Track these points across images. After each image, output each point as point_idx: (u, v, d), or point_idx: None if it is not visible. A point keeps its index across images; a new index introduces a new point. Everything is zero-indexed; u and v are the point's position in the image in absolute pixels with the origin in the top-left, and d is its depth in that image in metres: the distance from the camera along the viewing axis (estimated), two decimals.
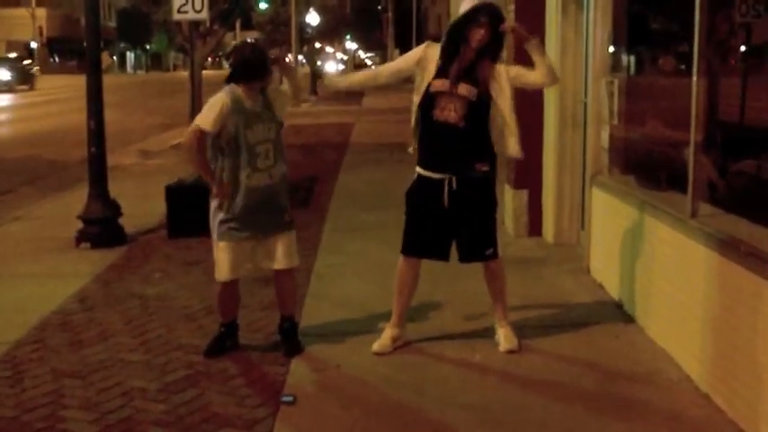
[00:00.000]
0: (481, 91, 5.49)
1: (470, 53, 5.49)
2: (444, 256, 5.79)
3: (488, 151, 5.60)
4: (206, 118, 5.44)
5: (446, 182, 5.53)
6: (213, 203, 5.61)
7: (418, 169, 5.67)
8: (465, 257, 5.80)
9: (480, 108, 5.49)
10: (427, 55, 5.61)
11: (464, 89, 5.47)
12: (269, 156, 5.56)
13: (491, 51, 5.54)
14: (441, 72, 5.53)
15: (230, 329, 5.90)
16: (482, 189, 5.65)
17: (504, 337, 5.76)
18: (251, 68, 5.51)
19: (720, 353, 4.86)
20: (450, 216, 5.61)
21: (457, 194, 5.55)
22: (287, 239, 5.71)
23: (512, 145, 5.61)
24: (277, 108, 5.66)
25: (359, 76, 6.29)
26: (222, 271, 5.66)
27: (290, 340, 5.83)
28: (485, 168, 5.59)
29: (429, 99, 5.53)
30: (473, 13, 5.48)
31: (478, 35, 5.45)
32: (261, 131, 5.52)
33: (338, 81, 6.36)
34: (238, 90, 5.51)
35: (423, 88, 5.55)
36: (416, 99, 5.60)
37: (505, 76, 5.54)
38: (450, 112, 5.47)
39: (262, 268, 5.87)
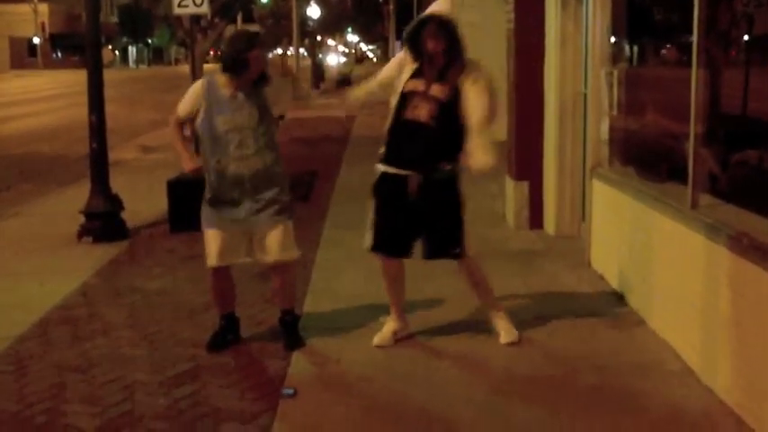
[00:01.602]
0: (453, 92, 5.48)
1: (437, 58, 5.49)
2: (406, 253, 5.74)
3: (455, 151, 5.52)
4: (182, 104, 5.71)
5: (411, 179, 5.50)
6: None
7: (381, 167, 5.64)
8: (429, 254, 5.71)
9: (451, 108, 5.47)
10: (407, 58, 5.62)
11: (437, 90, 5.48)
12: (245, 144, 5.54)
13: (452, 58, 5.49)
14: (416, 73, 5.55)
15: (230, 323, 5.91)
16: (447, 188, 5.59)
17: (504, 330, 5.76)
18: (230, 64, 5.54)
19: (721, 344, 4.86)
20: (415, 213, 5.58)
21: (424, 191, 5.52)
22: (280, 232, 5.64)
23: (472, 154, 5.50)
24: (269, 99, 5.66)
25: (363, 93, 6.13)
26: (209, 256, 5.69)
27: (290, 334, 5.84)
28: (448, 167, 5.55)
29: (402, 98, 5.54)
30: (422, 24, 5.50)
31: (430, 44, 5.46)
32: (237, 119, 5.52)
33: (355, 99, 6.20)
34: (220, 77, 5.58)
35: (398, 89, 5.56)
36: (393, 100, 5.61)
37: (468, 87, 5.48)
38: (421, 111, 5.46)
39: (261, 263, 5.86)
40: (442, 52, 5.46)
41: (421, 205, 5.54)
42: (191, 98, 5.65)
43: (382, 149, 5.66)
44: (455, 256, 5.72)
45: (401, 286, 5.88)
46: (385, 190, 5.66)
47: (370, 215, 5.76)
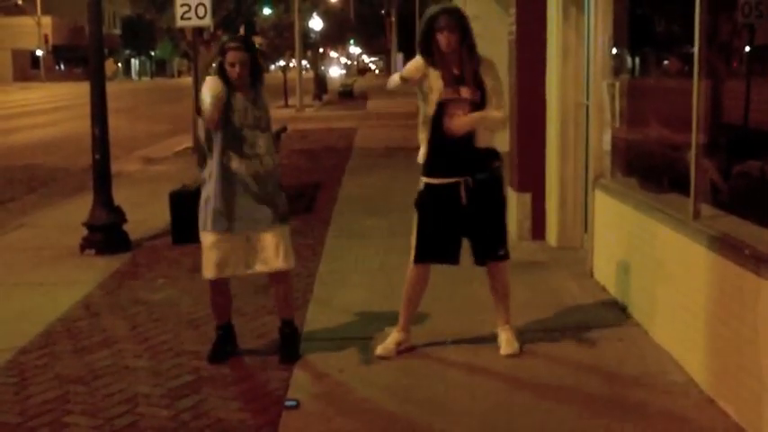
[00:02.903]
0: (481, 90, 5.52)
1: (454, 57, 5.48)
2: (456, 260, 5.80)
3: (495, 149, 5.65)
4: (211, 86, 5.48)
5: (462, 184, 5.54)
6: (203, 194, 5.66)
7: (427, 179, 5.64)
8: (481, 258, 5.79)
9: (483, 106, 5.53)
10: (427, 67, 5.53)
11: (467, 92, 5.49)
12: (257, 143, 5.56)
13: (467, 54, 5.51)
14: (443, 79, 5.51)
15: (227, 332, 5.91)
16: (494, 188, 5.69)
17: (506, 342, 5.76)
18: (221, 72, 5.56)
19: (724, 356, 4.86)
20: (465, 218, 5.61)
21: (473, 194, 5.56)
22: (277, 238, 5.60)
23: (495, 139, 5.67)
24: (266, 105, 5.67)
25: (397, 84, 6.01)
26: (207, 268, 5.65)
27: (287, 346, 5.82)
28: (497, 165, 5.63)
29: (438, 108, 5.52)
30: (432, 22, 5.48)
31: (445, 40, 5.44)
32: (250, 118, 5.54)
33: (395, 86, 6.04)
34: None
35: (433, 99, 5.51)
36: (428, 110, 5.55)
37: (489, 87, 5.55)
38: (458, 118, 5.49)
39: (258, 274, 5.82)
40: (456, 48, 5.44)
41: (471, 209, 5.58)
42: (217, 83, 5.49)
43: (422, 161, 5.65)
44: (501, 258, 5.78)
45: (420, 298, 5.89)
46: (433, 201, 5.64)
47: (413, 229, 5.73)
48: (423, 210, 5.70)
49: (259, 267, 5.69)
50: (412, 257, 5.76)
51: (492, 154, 5.62)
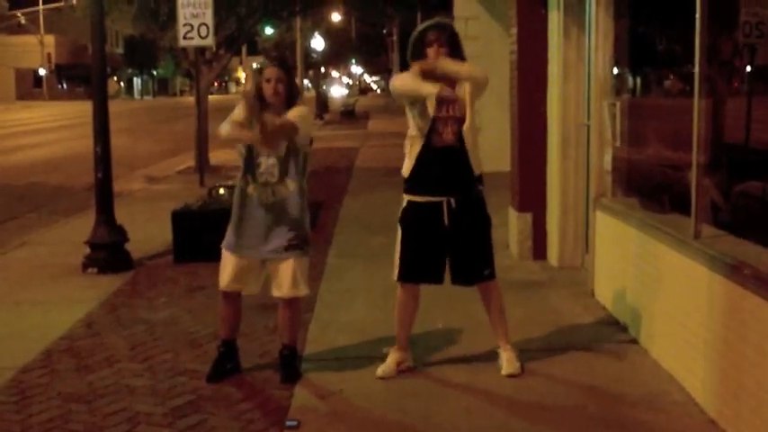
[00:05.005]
0: (462, 107, 5.51)
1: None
2: (440, 280, 5.79)
3: (479, 169, 5.64)
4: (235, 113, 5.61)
5: (445, 203, 5.54)
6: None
7: (410, 197, 5.63)
8: (461, 279, 5.77)
9: (462, 125, 5.53)
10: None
11: (453, 109, 5.50)
12: (271, 172, 5.59)
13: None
14: (436, 96, 5.49)
15: (229, 350, 5.90)
16: (476, 209, 5.67)
17: (507, 361, 5.75)
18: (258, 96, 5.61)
19: (725, 376, 4.86)
20: (448, 238, 5.61)
21: (456, 215, 5.56)
22: (292, 266, 5.65)
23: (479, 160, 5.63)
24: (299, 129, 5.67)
25: None
26: (221, 278, 5.77)
27: (286, 368, 5.82)
28: (481, 187, 5.63)
29: (432, 123, 5.52)
30: (423, 36, 5.51)
31: (434, 54, 5.45)
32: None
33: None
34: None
35: (427, 113, 5.49)
36: (421, 124, 5.53)
37: (463, 89, 5.52)
38: (448, 135, 5.49)
39: (271, 296, 5.85)
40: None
41: (454, 229, 5.57)
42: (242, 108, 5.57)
43: (406, 174, 5.63)
44: (486, 278, 5.76)
45: (413, 318, 5.88)
46: (416, 219, 5.64)
47: (397, 246, 5.74)
48: (406, 227, 5.70)
49: (273, 291, 5.76)
50: (395, 276, 5.77)
51: (474, 177, 5.61)
